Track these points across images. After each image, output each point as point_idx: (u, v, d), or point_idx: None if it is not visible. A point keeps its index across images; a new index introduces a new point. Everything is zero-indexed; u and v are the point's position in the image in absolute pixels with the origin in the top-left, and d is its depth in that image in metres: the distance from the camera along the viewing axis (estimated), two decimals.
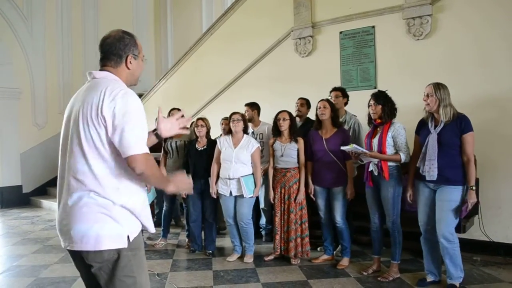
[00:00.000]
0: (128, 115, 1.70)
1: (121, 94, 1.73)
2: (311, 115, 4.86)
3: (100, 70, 1.89)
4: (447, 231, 3.30)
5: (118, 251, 1.74)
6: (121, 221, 1.74)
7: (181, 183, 1.95)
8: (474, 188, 3.26)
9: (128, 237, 1.76)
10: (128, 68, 1.91)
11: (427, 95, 3.36)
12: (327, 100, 4.20)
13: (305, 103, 4.95)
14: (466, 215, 3.46)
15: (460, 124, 3.27)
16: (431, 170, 3.31)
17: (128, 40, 1.90)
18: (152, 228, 1.93)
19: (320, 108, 4.11)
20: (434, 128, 3.37)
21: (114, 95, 1.71)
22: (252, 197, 4.29)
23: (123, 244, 1.74)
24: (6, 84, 8.31)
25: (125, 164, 1.75)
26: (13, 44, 8.48)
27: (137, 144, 1.71)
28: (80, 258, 1.78)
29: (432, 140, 3.33)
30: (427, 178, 3.36)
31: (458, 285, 3.37)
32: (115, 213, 1.73)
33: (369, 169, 3.75)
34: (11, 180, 8.49)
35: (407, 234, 3.90)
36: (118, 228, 1.74)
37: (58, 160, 1.86)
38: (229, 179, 4.29)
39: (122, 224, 1.75)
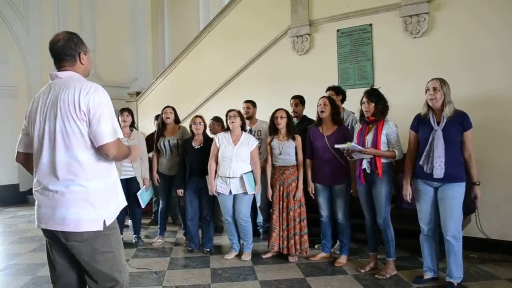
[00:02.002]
0: (100, 108, 1.96)
1: (93, 89, 1.97)
2: (308, 113, 4.87)
3: (61, 70, 2.07)
4: (455, 229, 3.30)
5: (96, 232, 1.99)
6: (98, 207, 1.99)
7: (136, 153, 2.25)
8: (479, 183, 3.31)
9: (104, 221, 2.01)
10: (82, 64, 2.12)
11: (434, 89, 3.31)
12: (328, 97, 4.20)
13: (299, 102, 4.95)
14: (464, 211, 3.45)
15: (462, 120, 3.28)
16: (440, 167, 3.26)
17: (76, 39, 2.10)
18: (124, 201, 2.22)
19: (320, 105, 4.11)
20: (438, 125, 3.33)
21: (87, 91, 1.95)
22: (254, 193, 4.29)
23: (99, 228, 2.00)
24: (2, 82, 8.29)
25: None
26: (10, 42, 8.45)
27: (109, 133, 1.96)
28: (56, 239, 2.03)
29: (438, 137, 3.28)
30: (435, 176, 3.29)
31: (456, 284, 3.37)
32: (94, 199, 1.98)
33: (362, 167, 3.74)
34: (8, 178, 8.47)
35: (404, 232, 3.92)
36: (96, 213, 1.99)
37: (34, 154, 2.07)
38: (229, 177, 4.27)
39: (100, 210, 2.00)
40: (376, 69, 5.33)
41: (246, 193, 4.27)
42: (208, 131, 4.95)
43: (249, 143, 4.31)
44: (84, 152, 1.97)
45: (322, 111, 4.09)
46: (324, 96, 4.21)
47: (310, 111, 4.77)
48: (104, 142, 1.95)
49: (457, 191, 3.29)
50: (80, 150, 1.96)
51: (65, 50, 2.05)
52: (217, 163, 4.37)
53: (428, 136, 3.34)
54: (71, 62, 2.07)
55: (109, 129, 1.96)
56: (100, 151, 1.99)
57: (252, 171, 4.32)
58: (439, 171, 3.26)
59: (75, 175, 1.95)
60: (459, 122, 3.28)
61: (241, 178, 4.24)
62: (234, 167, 4.25)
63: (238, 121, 4.33)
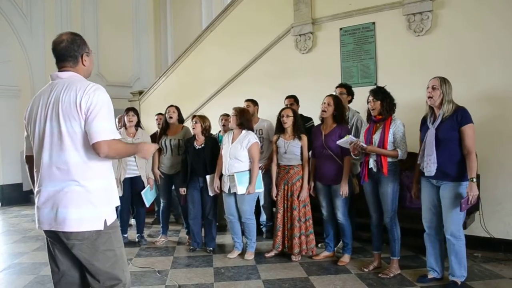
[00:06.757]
0: (98, 106, 1.96)
1: (93, 89, 1.99)
2: (313, 112, 4.85)
3: (62, 71, 2.10)
4: (454, 228, 3.29)
5: (97, 231, 2.01)
6: (99, 206, 2.02)
7: (147, 149, 2.20)
8: (474, 180, 3.16)
9: (105, 220, 2.03)
10: (84, 65, 2.15)
11: (432, 88, 3.31)
12: (334, 97, 4.16)
13: (294, 102, 4.96)
14: (467, 210, 3.41)
15: (457, 117, 3.24)
16: (428, 165, 3.30)
17: (79, 41, 2.12)
18: (118, 200, 2.20)
19: (324, 103, 4.08)
20: (433, 124, 3.35)
21: (87, 91, 1.97)
22: (244, 194, 4.23)
23: (100, 227, 2.02)
24: (5, 82, 8.29)
25: None
26: (12, 42, 8.45)
27: (102, 132, 1.95)
28: (57, 238, 2.03)
29: (430, 135, 3.31)
30: (426, 174, 3.35)
31: (459, 283, 3.36)
32: (95, 199, 2.01)
33: (369, 166, 3.72)
34: (12, 178, 8.49)
35: (408, 231, 3.91)
36: (97, 212, 2.01)
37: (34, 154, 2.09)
38: (226, 175, 4.30)
39: (100, 209, 2.02)
40: (379, 68, 5.31)
41: (248, 192, 4.26)
42: (221, 128, 4.97)
43: (244, 141, 4.26)
44: (85, 152, 1.98)
45: (324, 111, 4.06)
46: (330, 95, 4.17)
47: (313, 110, 4.76)
48: (96, 140, 1.94)
49: (458, 190, 3.26)
50: (81, 150, 1.98)
51: (68, 52, 2.08)
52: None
53: (425, 135, 3.38)
54: (73, 63, 2.10)
55: (103, 128, 1.96)
56: (93, 149, 1.98)
57: (250, 170, 4.27)
58: (428, 169, 3.31)
59: (77, 175, 1.97)
60: (456, 119, 3.24)
61: (232, 176, 4.23)
62: (229, 165, 4.26)
63: (233, 121, 4.31)
